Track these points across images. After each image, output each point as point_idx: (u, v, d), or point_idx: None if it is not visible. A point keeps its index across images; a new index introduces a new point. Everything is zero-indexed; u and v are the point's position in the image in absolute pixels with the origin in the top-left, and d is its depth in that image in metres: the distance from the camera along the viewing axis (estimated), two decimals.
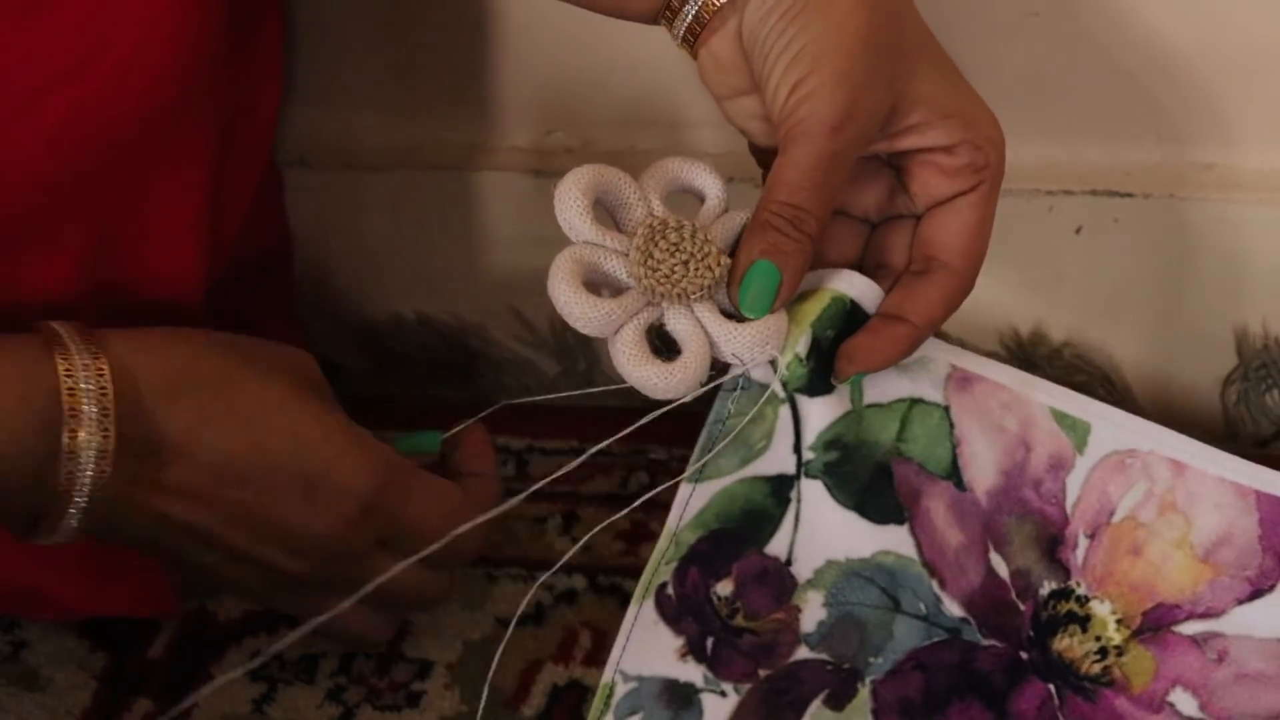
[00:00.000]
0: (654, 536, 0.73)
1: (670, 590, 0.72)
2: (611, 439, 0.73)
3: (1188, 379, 0.96)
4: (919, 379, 0.75)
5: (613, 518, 0.77)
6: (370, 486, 0.77)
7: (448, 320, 1.02)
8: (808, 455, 0.73)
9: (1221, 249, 0.92)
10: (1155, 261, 0.93)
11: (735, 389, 0.72)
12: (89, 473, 0.71)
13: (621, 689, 0.71)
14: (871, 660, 0.73)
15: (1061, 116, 0.92)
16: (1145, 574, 0.74)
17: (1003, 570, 0.74)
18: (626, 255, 0.70)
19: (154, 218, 0.81)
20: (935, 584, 0.74)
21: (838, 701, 0.72)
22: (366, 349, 1.04)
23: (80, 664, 0.87)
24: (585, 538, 0.77)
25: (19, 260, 0.77)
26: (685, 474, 0.73)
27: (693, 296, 0.70)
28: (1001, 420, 0.75)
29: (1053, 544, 0.74)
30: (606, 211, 0.73)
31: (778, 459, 0.73)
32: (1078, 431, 0.74)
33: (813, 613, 0.73)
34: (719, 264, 0.70)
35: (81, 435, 0.70)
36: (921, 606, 0.73)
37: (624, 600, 0.84)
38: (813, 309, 0.72)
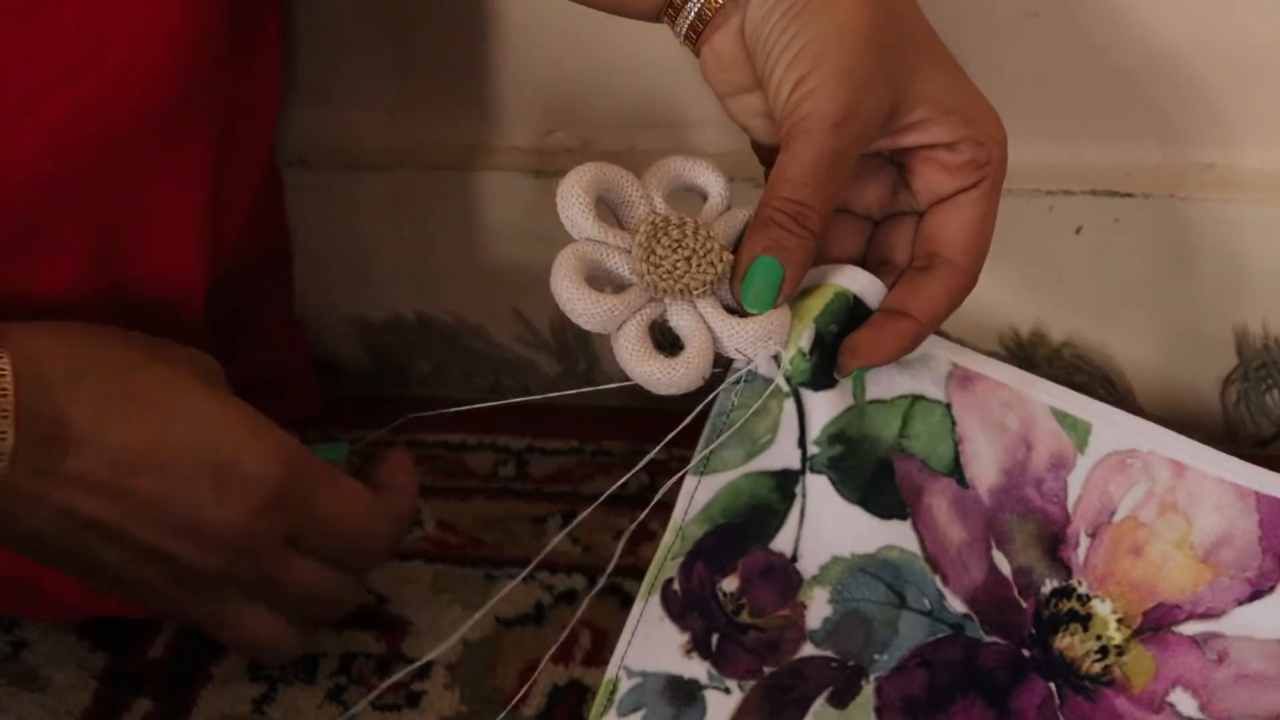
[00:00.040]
0: (654, 536, 0.73)
1: (676, 586, 0.72)
2: (668, 437, 0.72)
3: (1188, 379, 0.96)
4: (920, 376, 0.75)
5: (637, 519, 0.76)
6: (280, 474, 0.76)
7: (448, 320, 1.02)
8: (812, 450, 0.73)
9: (1221, 249, 0.92)
10: (1155, 261, 0.93)
11: (739, 382, 0.72)
12: None
13: (625, 685, 0.71)
14: (877, 657, 0.73)
15: (1061, 116, 0.92)
16: (1146, 574, 0.74)
17: (1005, 568, 0.74)
18: (629, 252, 0.70)
19: (154, 218, 0.81)
20: (938, 580, 0.74)
21: (841, 699, 0.72)
22: (366, 349, 1.04)
23: (80, 664, 0.87)
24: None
25: (20, 261, 0.77)
26: (690, 466, 0.73)
27: (695, 292, 0.70)
28: (1003, 419, 0.75)
29: (1054, 542, 0.74)
30: (609, 209, 0.73)
31: (782, 453, 0.73)
32: (1079, 431, 0.74)
33: (818, 609, 0.73)
34: (721, 260, 0.70)
35: None
36: (926, 602, 0.74)
37: (624, 600, 0.84)
38: (816, 304, 0.72)
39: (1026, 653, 0.73)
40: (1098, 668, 0.73)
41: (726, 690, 0.72)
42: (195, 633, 0.88)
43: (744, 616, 0.72)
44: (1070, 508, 0.74)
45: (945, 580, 0.74)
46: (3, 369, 0.70)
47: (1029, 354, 0.96)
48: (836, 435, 0.73)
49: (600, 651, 0.85)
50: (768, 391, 0.72)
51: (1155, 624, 0.73)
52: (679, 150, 0.76)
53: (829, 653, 0.72)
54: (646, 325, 0.70)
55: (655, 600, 0.72)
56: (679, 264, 0.70)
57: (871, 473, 0.74)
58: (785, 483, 0.73)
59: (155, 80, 0.76)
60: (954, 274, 0.72)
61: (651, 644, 0.72)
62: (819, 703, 0.72)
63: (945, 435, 0.74)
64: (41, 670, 0.86)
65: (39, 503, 0.72)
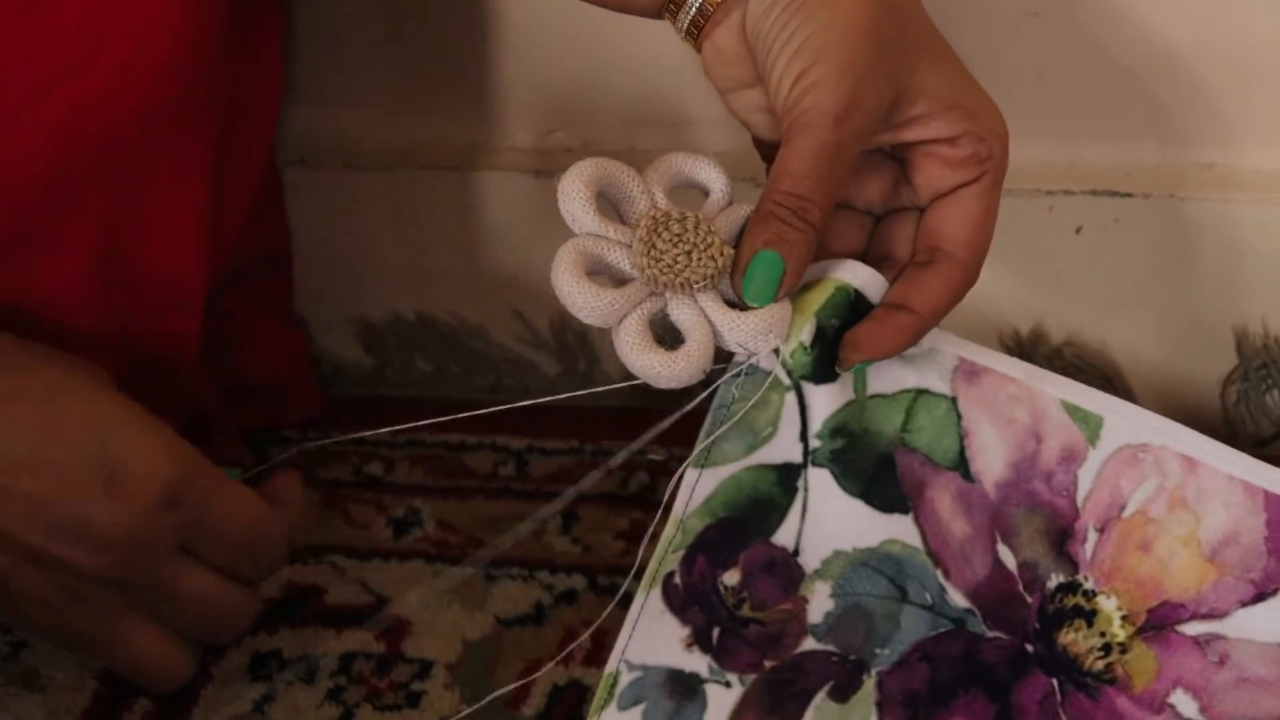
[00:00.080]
0: (654, 536, 0.73)
1: (678, 579, 0.72)
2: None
3: (1188, 378, 0.96)
4: (925, 370, 0.75)
5: (655, 521, 0.76)
6: (172, 473, 0.75)
7: (448, 320, 1.02)
8: (814, 443, 0.73)
9: (1221, 248, 0.92)
10: (1155, 261, 0.93)
11: (739, 375, 0.72)
12: None
13: (626, 678, 0.71)
14: (878, 651, 0.73)
15: (1061, 116, 0.92)
16: (1152, 570, 0.73)
17: (1010, 562, 0.74)
18: (629, 247, 0.70)
19: (154, 217, 0.81)
20: (940, 574, 0.74)
21: (842, 693, 0.72)
22: (366, 349, 1.04)
23: (80, 664, 0.86)
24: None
25: (20, 261, 0.77)
26: (690, 458, 0.73)
27: (696, 286, 0.70)
28: (1011, 412, 0.75)
29: (1062, 537, 0.74)
30: (610, 205, 0.73)
31: (784, 447, 0.73)
32: (1090, 424, 0.74)
33: (820, 604, 0.73)
34: (722, 254, 0.70)
35: None
36: (927, 596, 0.73)
37: (624, 600, 0.84)
38: (817, 298, 0.72)
39: (1030, 648, 0.73)
40: (1100, 665, 0.73)
41: (727, 684, 0.71)
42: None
43: (745, 610, 0.72)
44: (1080, 502, 0.74)
45: (947, 575, 0.74)
46: None
47: (1029, 354, 0.96)
48: (838, 429, 0.73)
49: (600, 651, 0.85)
50: (767, 383, 0.72)
51: (1159, 622, 0.73)
52: (679, 149, 0.76)
53: (830, 647, 0.72)
54: (647, 319, 0.70)
55: (656, 594, 0.72)
56: (680, 258, 0.70)
57: (873, 467, 0.73)
58: (787, 476, 0.73)
59: (156, 79, 0.76)
60: (955, 268, 0.72)
61: (652, 637, 0.71)
62: (820, 697, 0.72)
63: (950, 429, 0.74)
64: (41, 670, 0.86)
65: None
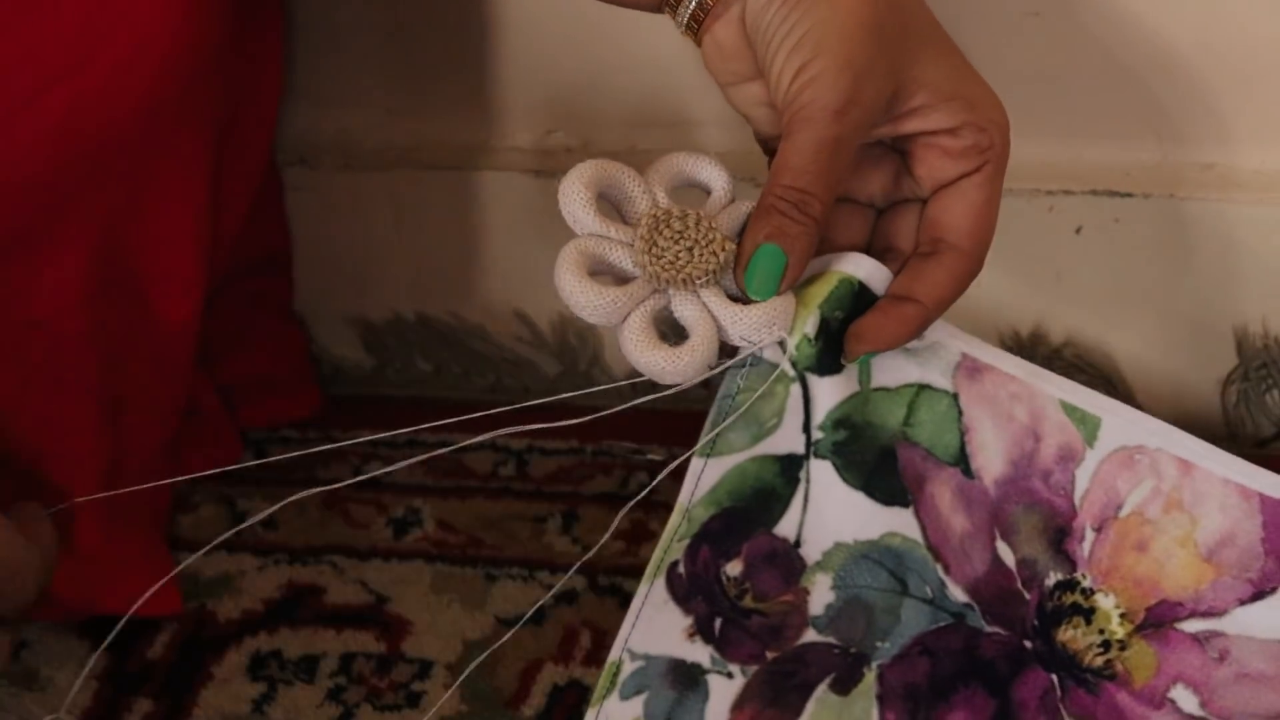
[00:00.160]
0: (654, 536, 0.73)
1: (682, 569, 0.72)
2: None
3: (1188, 379, 0.96)
4: (927, 365, 0.74)
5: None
6: None
7: (448, 320, 1.02)
8: (817, 435, 0.73)
9: (1221, 248, 0.92)
10: (1155, 261, 0.94)
11: (744, 365, 0.72)
12: None
13: (628, 667, 0.71)
14: (879, 644, 0.73)
15: (1062, 116, 0.92)
16: (1149, 570, 0.74)
17: (1009, 559, 0.74)
18: (631, 245, 0.70)
19: (154, 215, 0.81)
20: (940, 568, 0.74)
21: (843, 686, 0.72)
22: (366, 349, 1.04)
23: (80, 664, 0.86)
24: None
25: (21, 260, 0.77)
26: (696, 448, 0.73)
27: (698, 282, 0.70)
28: (1011, 410, 0.75)
29: (1060, 535, 0.74)
30: (612, 206, 0.73)
31: (788, 438, 0.73)
32: (1088, 425, 0.74)
33: (821, 595, 0.73)
34: (723, 249, 0.70)
35: None
36: (928, 590, 0.73)
37: (624, 600, 0.84)
38: (820, 290, 0.72)
39: (1028, 644, 0.73)
40: (1100, 661, 0.73)
41: (729, 675, 0.71)
42: (195, 632, 0.88)
43: (747, 601, 0.72)
44: (1077, 501, 0.74)
45: (947, 569, 0.74)
46: None
47: (1029, 354, 0.96)
48: (841, 421, 0.73)
49: (600, 651, 0.85)
50: (773, 376, 0.72)
51: (1157, 620, 0.73)
52: (680, 149, 0.76)
53: (831, 639, 0.72)
54: (651, 316, 0.70)
55: (660, 583, 0.72)
56: (681, 254, 0.70)
57: (875, 459, 0.73)
58: (790, 467, 0.73)
59: (156, 77, 0.76)
60: (959, 258, 0.72)
61: (655, 627, 0.71)
62: (821, 689, 0.72)
63: (951, 425, 0.74)
64: (41, 670, 0.86)
65: None
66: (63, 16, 0.74)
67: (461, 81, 0.96)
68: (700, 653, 0.72)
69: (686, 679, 0.71)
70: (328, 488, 0.77)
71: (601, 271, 0.71)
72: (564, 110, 0.96)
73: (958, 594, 0.74)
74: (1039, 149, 0.92)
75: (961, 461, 0.74)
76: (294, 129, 0.98)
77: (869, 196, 0.75)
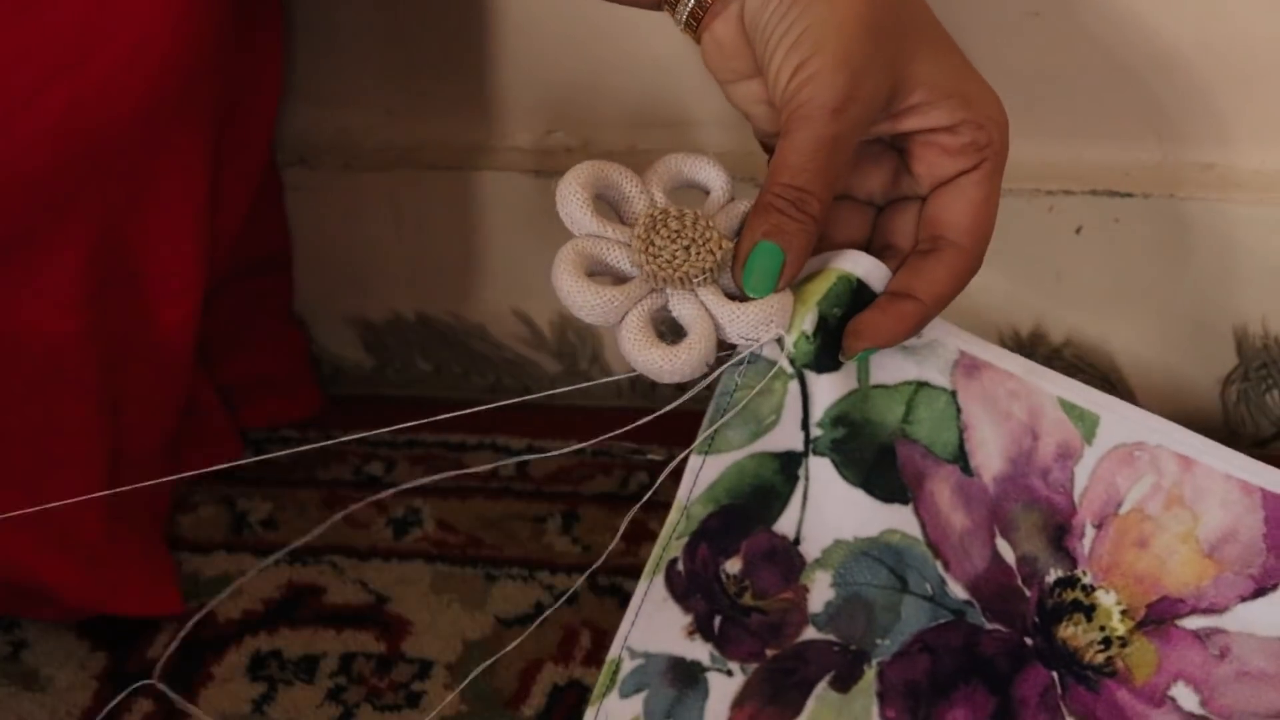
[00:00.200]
0: (654, 536, 0.73)
1: (681, 566, 0.72)
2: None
3: (1188, 378, 0.96)
4: (925, 363, 0.74)
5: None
6: None
7: (448, 320, 1.02)
8: (815, 432, 0.73)
9: (1221, 248, 0.92)
10: (1155, 261, 0.94)
11: (742, 363, 0.72)
12: None
13: (628, 666, 0.71)
14: (879, 642, 0.73)
15: (1062, 116, 0.92)
16: (1150, 566, 0.74)
17: (1009, 556, 0.74)
18: (629, 246, 0.71)
19: (153, 213, 0.81)
20: (940, 565, 0.74)
21: (843, 683, 0.72)
22: (366, 349, 1.04)
23: (80, 664, 0.86)
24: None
25: (22, 260, 0.77)
26: (694, 445, 0.73)
27: (695, 280, 0.70)
28: (1009, 407, 0.75)
29: (1060, 532, 0.74)
30: (610, 207, 0.73)
31: (786, 435, 0.73)
32: (1086, 422, 0.74)
33: (820, 593, 0.73)
34: (720, 247, 0.70)
35: None
36: (928, 587, 0.73)
37: (624, 600, 0.84)
38: (819, 288, 0.72)
39: (1029, 641, 0.73)
40: (1100, 658, 0.73)
41: (729, 672, 0.71)
42: (195, 632, 0.88)
43: (747, 599, 0.72)
44: (1076, 498, 0.74)
45: (946, 566, 0.74)
46: None
47: (1029, 353, 0.96)
48: (839, 418, 0.73)
49: (600, 651, 0.85)
50: (771, 373, 0.72)
51: (1158, 617, 0.73)
52: (679, 149, 0.76)
53: (831, 636, 0.72)
54: (648, 315, 0.70)
55: (659, 581, 0.72)
56: (678, 253, 0.70)
57: (874, 456, 0.73)
58: (789, 464, 0.73)
59: (156, 74, 0.76)
60: (958, 255, 0.72)
61: (655, 625, 0.71)
62: (821, 686, 0.72)
63: (949, 422, 0.74)
64: (41, 670, 0.86)
65: None
66: (62, 15, 0.74)
67: (461, 81, 0.96)
68: (700, 650, 0.72)
69: (686, 677, 0.71)
70: (381, 494, 0.76)
71: (600, 272, 0.71)
72: (564, 110, 0.96)
73: (958, 591, 0.74)
74: (1039, 149, 0.92)
75: (960, 459, 0.74)
76: (294, 129, 0.98)
77: (868, 194, 0.75)
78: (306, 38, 0.96)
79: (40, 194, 0.76)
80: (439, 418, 0.75)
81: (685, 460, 0.73)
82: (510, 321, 1.01)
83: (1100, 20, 0.89)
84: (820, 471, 0.73)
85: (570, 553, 0.92)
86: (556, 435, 0.99)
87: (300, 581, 0.91)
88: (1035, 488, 0.74)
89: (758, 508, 0.73)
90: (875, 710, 0.72)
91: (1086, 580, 0.74)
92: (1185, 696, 0.72)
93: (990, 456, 0.74)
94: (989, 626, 0.74)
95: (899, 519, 0.74)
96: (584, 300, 0.69)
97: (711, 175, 0.74)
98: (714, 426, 0.72)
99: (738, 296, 0.71)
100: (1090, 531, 0.74)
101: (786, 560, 0.73)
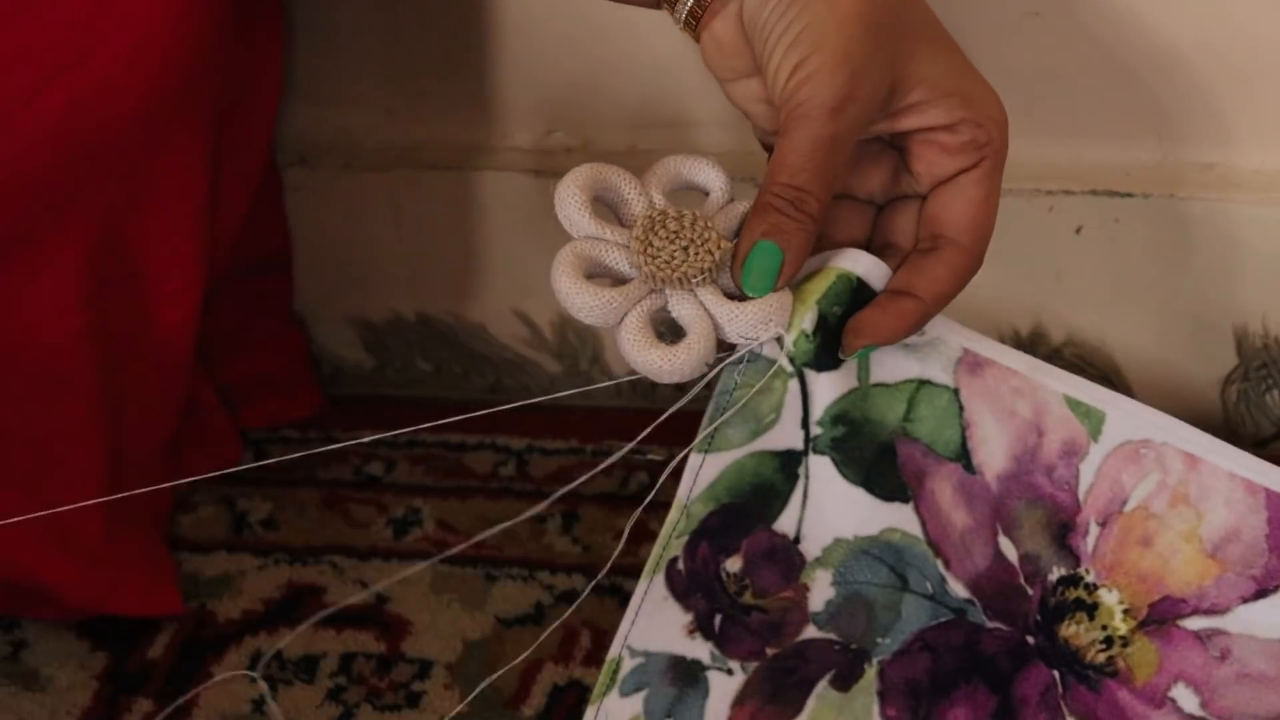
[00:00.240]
0: (654, 536, 0.73)
1: (681, 565, 0.72)
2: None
3: (1188, 378, 0.96)
4: (928, 360, 0.74)
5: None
6: None
7: (448, 320, 1.02)
8: (815, 430, 0.73)
9: (1221, 249, 0.92)
10: (1155, 261, 0.94)
11: (742, 361, 0.72)
12: None
13: (628, 664, 0.71)
14: (879, 641, 0.73)
15: (1062, 116, 0.92)
16: (1154, 565, 0.73)
17: (1011, 554, 0.74)
18: (627, 247, 0.71)
19: (153, 214, 0.81)
20: (940, 564, 0.74)
21: (844, 682, 0.72)
22: (366, 349, 1.04)
23: (80, 664, 0.86)
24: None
25: (22, 259, 0.77)
26: (694, 443, 0.73)
27: (694, 281, 0.70)
28: (1013, 405, 0.74)
29: (1063, 530, 0.74)
30: (609, 209, 0.73)
31: (786, 434, 0.73)
32: (1092, 419, 0.74)
33: (821, 591, 0.73)
34: (719, 247, 0.70)
35: None
36: (928, 585, 0.73)
37: (624, 600, 0.84)
38: (818, 286, 0.72)
39: (1030, 640, 0.73)
40: (1102, 658, 0.73)
41: (729, 671, 0.71)
42: (195, 632, 0.88)
43: (747, 597, 0.72)
44: (1081, 496, 0.74)
45: (947, 565, 0.74)
46: None
47: (1029, 353, 0.96)
48: (839, 416, 0.73)
49: (600, 651, 0.85)
50: (771, 371, 0.72)
51: (1160, 617, 0.73)
52: (679, 150, 0.76)
53: (832, 635, 0.72)
54: (647, 316, 0.70)
55: (660, 579, 0.72)
56: (676, 254, 0.70)
57: (874, 455, 0.73)
58: (789, 463, 0.73)
59: (156, 73, 0.76)
60: (958, 254, 0.72)
61: (655, 624, 0.71)
62: (822, 685, 0.72)
63: (952, 420, 0.74)
64: (41, 670, 0.86)
65: None
66: (62, 14, 0.74)
67: (461, 81, 0.96)
68: (700, 649, 0.71)
69: (686, 676, 0.71)
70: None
71: (599, 274, 0.71)
72: (564, 110, 0.96)
73: (958, 589, 0.74)
74: (1039, 149, 0.92)
75: (963, 457, 0.74)
76: (294, 129, 0.98)
77: (868, 193, 0.75)
78: (306, 38, 0.96)
79: (40, 194, 0.76)
80: (443, 421, 0.75)
81: (680, 456, 0.73)
82: (510, 321, 1.01)
83: (1100, 20, 0.89)
84: (820, 470, 0.73)
85: (570, 553, 0.92)
86: (557, 435, 0.99)
87: (300, 581, 0.91)
88: (1039, 485, 0.74)
89: (758, 506, 0.73)
90: (876, 709, 0.72)
91: (1089, 579, 0.74)
92: (1186, 698, 0.72)
93: (993, 454, 0.74)
94: (990, 625, 0.74)
95: (899, 517, 0.74)
96: (583, 302, 0.69)
97: (711, 177, 0.74)
98: (714, 425, 0.72)
99: (737, 296, 0.71)
100: (1094, 529, 0.74)
101: (787, 559, 0.73)
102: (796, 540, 0.73)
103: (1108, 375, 0.97)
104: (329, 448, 0.78)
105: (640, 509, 0.73)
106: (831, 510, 0.73)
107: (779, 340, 0.71)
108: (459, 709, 0.82)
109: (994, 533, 0.74)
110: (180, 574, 0.91)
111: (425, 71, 0.96)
